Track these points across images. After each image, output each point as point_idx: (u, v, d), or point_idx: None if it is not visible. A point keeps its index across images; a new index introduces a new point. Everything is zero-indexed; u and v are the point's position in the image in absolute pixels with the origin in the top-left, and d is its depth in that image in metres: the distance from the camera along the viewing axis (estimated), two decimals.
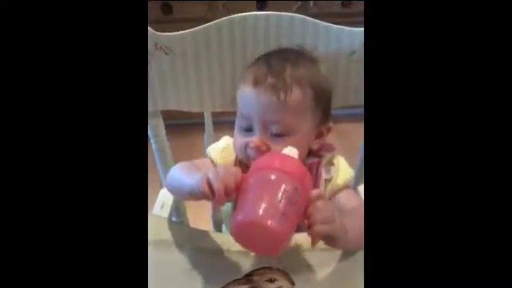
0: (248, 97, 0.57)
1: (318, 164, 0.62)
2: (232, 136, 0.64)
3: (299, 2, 1.64)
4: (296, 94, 0.55)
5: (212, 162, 0.63)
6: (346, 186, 0.62)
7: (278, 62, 0.57)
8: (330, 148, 0.64)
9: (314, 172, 0.62)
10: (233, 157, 0.63)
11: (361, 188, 0.78)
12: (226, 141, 0.66)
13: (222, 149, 0.64)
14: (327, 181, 0.62)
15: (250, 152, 0.57)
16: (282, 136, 0.56)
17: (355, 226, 0.48)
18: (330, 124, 0.62)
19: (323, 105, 0.59)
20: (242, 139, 0.58)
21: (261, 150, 0.55)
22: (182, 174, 0.56)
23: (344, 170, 0.63)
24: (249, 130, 0.58)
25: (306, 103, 0.57)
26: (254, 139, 0.56)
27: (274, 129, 0.56)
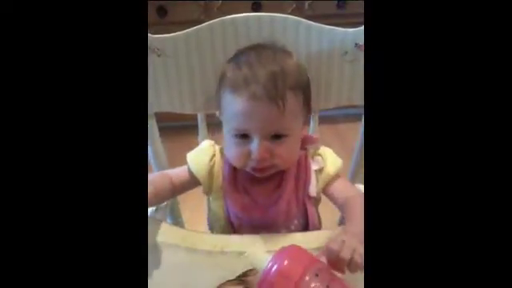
0: (242, 109, 0.54)
1: (306, 156, 0.63)
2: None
3: (294, 4, 1.64)
4: (291, 101, 0.55)
5: (188, 167, 0.65)
6: (337, 175, 0.64)
7: (264, 65, 0.55)
8: (313, 140, 0.65)
9: (302, 164, 0.62)
10: (206, 159, 0.64)
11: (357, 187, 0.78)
12: (202, 144, 0.67)
13: (198, 152, 0.66)
14: (317, 172, 0.63)
15: (253, 163, 0.57)
16: (281, 137, 0.56)
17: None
18: (312, 112, 0.64)
19: (308, 98, 0.60)
20: (238, 148, 0.57)
21: (265, 159, 0.56)
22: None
23: (332, 158, 0.64)
24: (244, 136, 0.56)
25: (299, 106, 0.57)
26: (256, 149, 0.55)
27: (274, 132, 0.56)
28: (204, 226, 0.75)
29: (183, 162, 0.66)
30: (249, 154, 0.56)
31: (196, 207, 0.78)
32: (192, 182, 0.65)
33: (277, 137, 0.56)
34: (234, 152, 0.58)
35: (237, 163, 0.59)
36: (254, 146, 0.55)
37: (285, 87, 0.54)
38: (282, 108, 0.54)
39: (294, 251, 0.45)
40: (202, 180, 0.64)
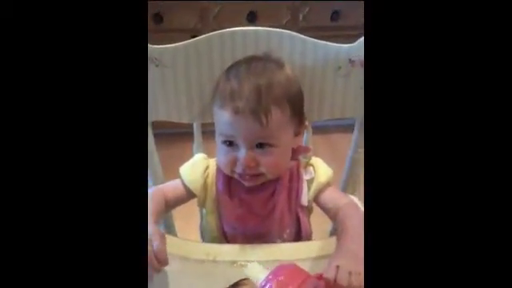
0: (228, 121, 0.56)
1: (298, 166, 0.64)
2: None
3: (289, 16, 1.66)
4: (276, 114, 0.56)
5: (182, 181, 0.65)
6: (328, 184, 0.65)
7: (250, 79, 0.56)
8: (306, 150, 0.66)
9: (295, 174, 0.64)
10: (200, 171, 0.65)
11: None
12: (196, 157, 0.68)
13: (191, 165, 0.66)
14: (309, 181, 0.64)
15: (239, 169, 0.58)
16: (265, 146, 0.57)
17: (360, 233, 0.46)
18: (306, 123, 0.65)
19: (299, 109, 0.61)
20: (226, 156, 0.59)
21: (250, 167, 0.57)
22: None
23: (324, 168, 0.65)
24: (231, 144, 0.58)
25: (286, 118, 0.58)
26: (242, 157, 0.57)
27: (258, 141, 0.57)
28: (196, 235, 0.75)
29: (177, 169, 0.67)
30: (236, 160, 0.58)
31: (188, 216, 0.79)
32: (186, 195, 0.66)
33: (261, 146, 0.57)
34: (223, 158, 0.60)
35: (225, 169, 0.61)
36: (241, 153, 0.57)
37: (269, 101, 0.55)
38: (265, 122, 0.55)
39: (290, 269, 0.46)
40: (196, 192, 0.65)
